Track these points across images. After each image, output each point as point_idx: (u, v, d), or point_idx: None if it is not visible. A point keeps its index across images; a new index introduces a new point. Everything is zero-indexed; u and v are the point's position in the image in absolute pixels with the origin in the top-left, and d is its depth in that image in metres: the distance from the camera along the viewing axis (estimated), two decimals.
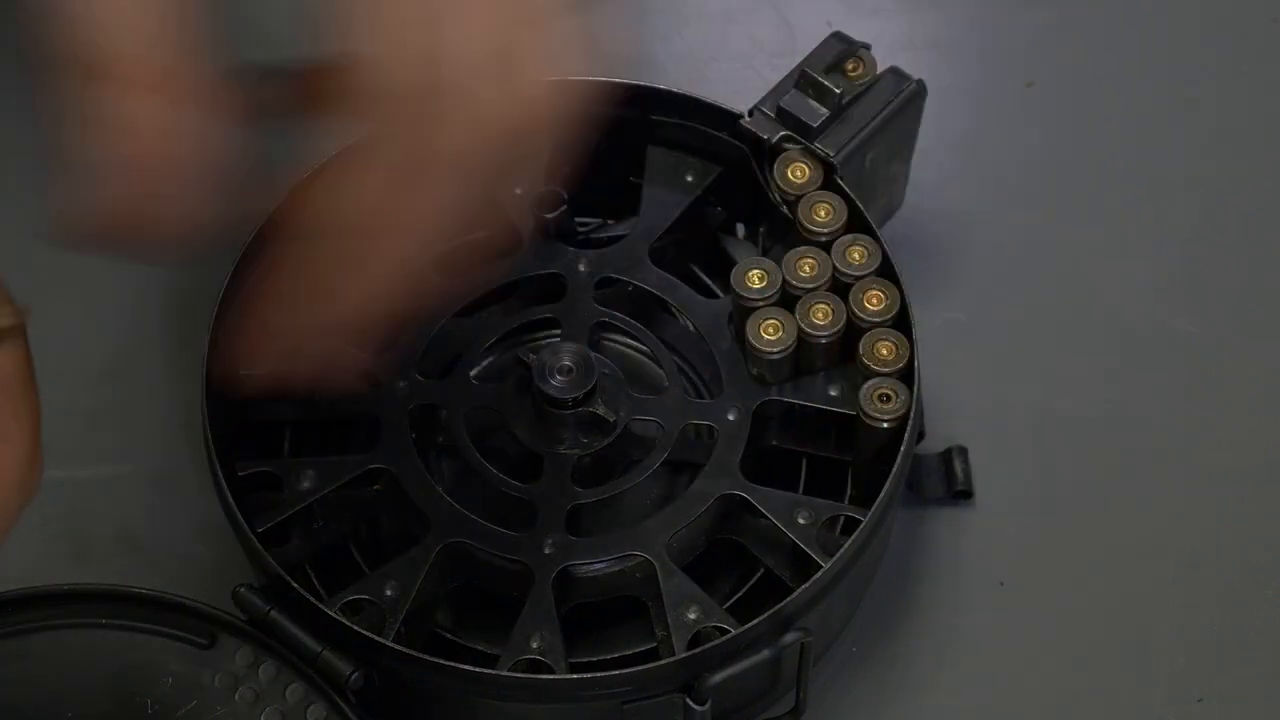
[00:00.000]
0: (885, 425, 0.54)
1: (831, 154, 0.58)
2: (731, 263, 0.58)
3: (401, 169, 0.42)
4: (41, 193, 0.69)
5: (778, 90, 0.59)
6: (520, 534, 0.55)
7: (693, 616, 0.53)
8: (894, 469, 0.54)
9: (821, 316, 0.56)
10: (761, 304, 0.56)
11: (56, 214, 0.43)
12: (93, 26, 0.43)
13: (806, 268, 0.57)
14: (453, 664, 0.51)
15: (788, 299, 0.57)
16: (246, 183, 0.47)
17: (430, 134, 0.42)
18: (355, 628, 0.51)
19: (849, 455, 0.58)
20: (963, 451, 0.62)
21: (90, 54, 0.43)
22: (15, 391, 0.41)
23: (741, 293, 0.56)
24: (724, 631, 0.52)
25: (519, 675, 0.51)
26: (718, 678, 0.51)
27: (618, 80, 0.60)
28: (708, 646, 0.51)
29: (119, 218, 0.44)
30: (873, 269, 0.57)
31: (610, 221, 0.64)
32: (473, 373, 0.59)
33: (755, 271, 0.57)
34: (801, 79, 0.59)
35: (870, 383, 0.55)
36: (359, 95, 0.42)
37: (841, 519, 0.55)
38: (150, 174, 0.43)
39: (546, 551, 0.54)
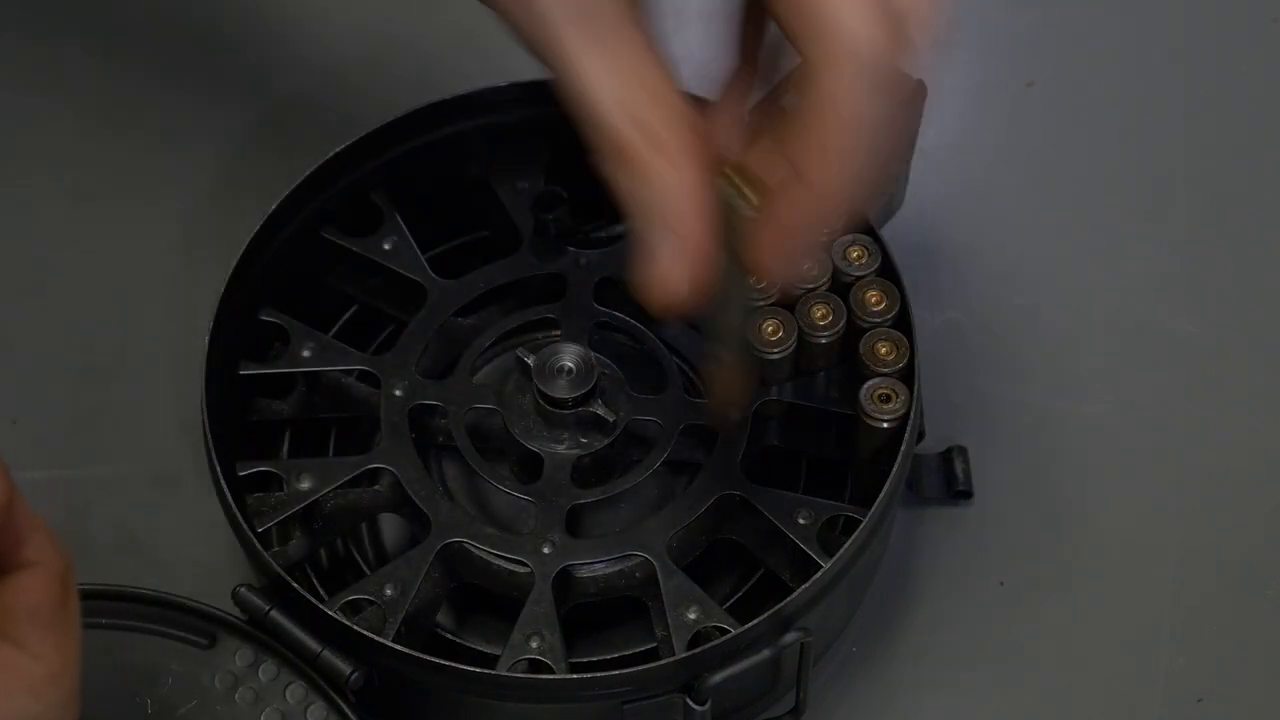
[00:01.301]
0: (885, 425, 0.54)
1: None
2: None
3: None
4: (46, 191, 0.69)
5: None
6: (520, 534, 0.55)
7: (693, 616, 0.53)
8: (894, 469, 0.54)
9: (821, 316, 0.56)
10: (760, 305, 0.56)
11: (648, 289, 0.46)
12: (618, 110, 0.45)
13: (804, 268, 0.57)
14: (453, 664, 0.51)
15: (784, 302, 0.56)
16: None
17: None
18: (355, 628, 0.51)
19: (849, 455, 0.58)
20: (963, 451, 0.62)
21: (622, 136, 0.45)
22: (44, 618, 0.41)
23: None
24: (724, 631, 0.52)
25: (519, 675, 0.51)
26: (718, 678, 0.51)
27: None
28: (708, 646, 0.51)
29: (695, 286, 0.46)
30: (873, 269, 0.57)
31: (610, 221, 0.64)
32: (473, 373, 0.59)
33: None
34: None
35: (870, 383, 0.55)
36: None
37: (841, 519, 0.55)
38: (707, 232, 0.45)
39: (546, 551, 0.54)
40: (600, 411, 0.56)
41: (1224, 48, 0.73)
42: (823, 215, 0.45)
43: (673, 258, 0.45)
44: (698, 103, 0.47)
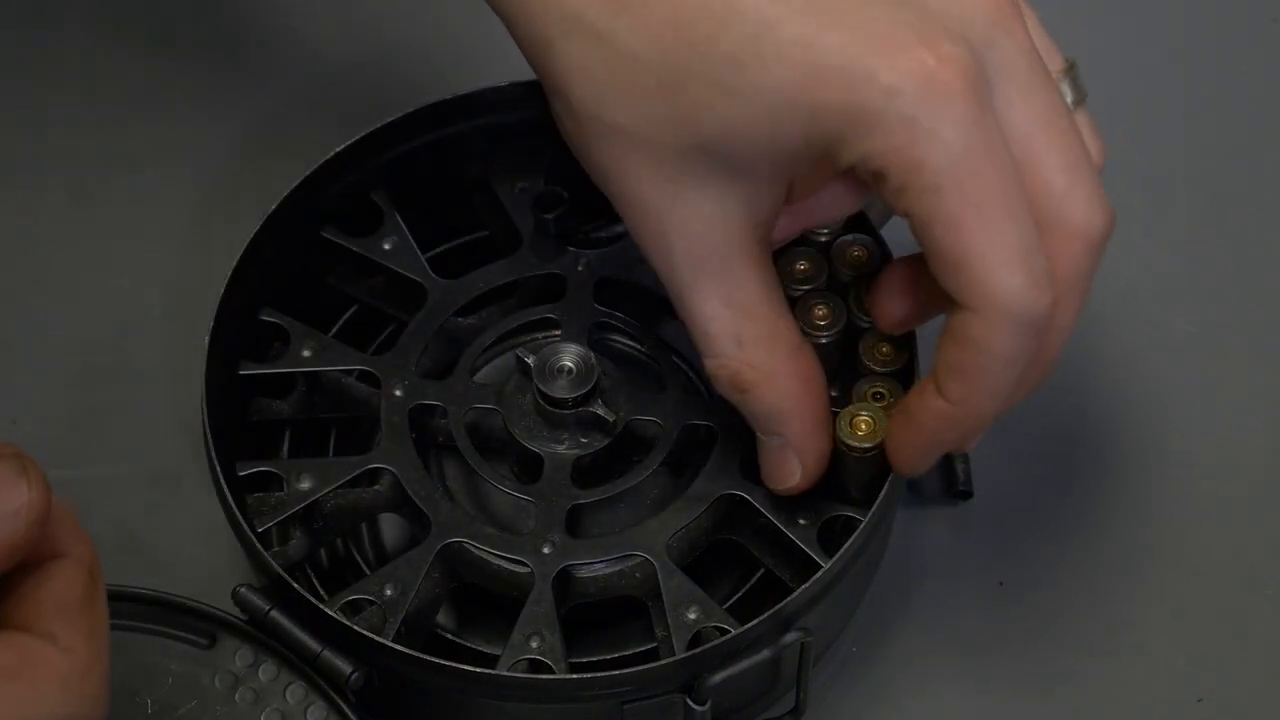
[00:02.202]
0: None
1: None
2: None
3: None
4: (46, 191, 0.69)
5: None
6: (520, 534, 0.55)
7: (693, 616, 0.53)
8: (894, 469, 0.53)
9: (821, 316, 0.56)
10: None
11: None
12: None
13: (802, 269, 0.57)
14: (453, 664, 0.50)
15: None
16: None
17: None
18: (355, 628, 0.51)
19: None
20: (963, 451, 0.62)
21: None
22: (73, 611, 0.41)
23: None
24: (724, 631, 0.52)
25: (519, 675, 0.51)
26: (718, 678, 0.51)
27: None
28: (708, 646, 0.51)
29: None
30: (873, 269, 0.57)
31: (610, 221, 0.64)
32: (473, 373, 0.59)
33: None
34: None
35: (870, 382, 0.55)
36: None
37: (841, 519, 0.55)
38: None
39: (546, 551, 0.54)
40: (600, 411, 0.56)
41: (1224, 48, 0.73)
42: (957, 427, 0.50)
43: (782, 456, 0.53)
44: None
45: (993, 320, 0.46)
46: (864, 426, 0.54)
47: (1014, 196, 0.46)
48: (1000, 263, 0.45)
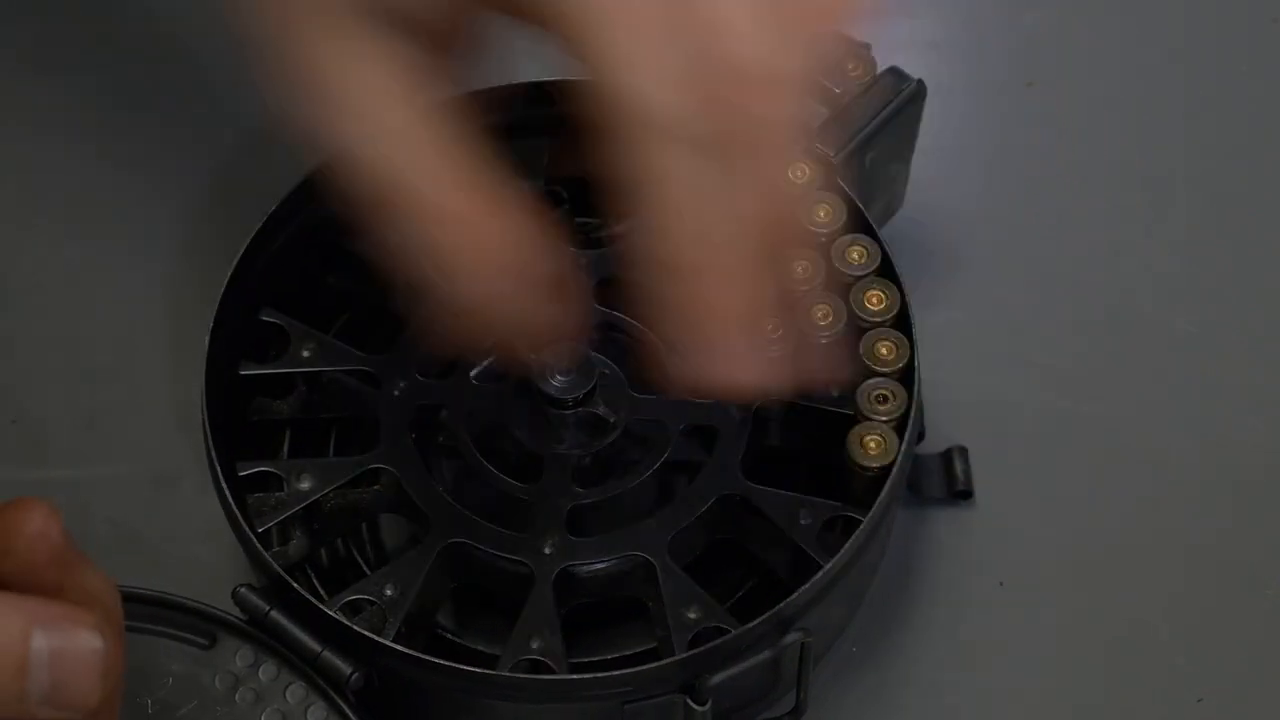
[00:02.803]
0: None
1: (831, 154, 0.58)
2: None
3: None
4: (45, 191, 0.69)
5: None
6: (520, 534, 0.55)
7: (693, 616, 0.53)
8: (894, 469, 0.54)
9: (821, 317, 0.56)
10: None
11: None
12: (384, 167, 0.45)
13: (800, 269, 0.57)
14: (453, 664, 0.51)
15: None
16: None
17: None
18: (355, 628, 0.51)
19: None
20: (963, 451, 0.62)
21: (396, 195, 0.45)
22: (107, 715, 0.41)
23: None
24: (724, 631, 0.52)
25: (519, 675, 0.51)
26: (718, 678, 0.51)
27: None
28: (708, 647, 0.51)
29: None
30: (873, 269, 0.57)
31: (610, 221, 0.64)
32: (473, 373, 0.59)
33: None
34: None
35: (869, 382, 0.55)
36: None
37: (841, 519, 0.55)
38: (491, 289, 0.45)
39: (546, 551, 0.54)
40: (600, 411, 0.56)
41: (1224, 48, 0.73)
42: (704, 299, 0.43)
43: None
44: None
45: (635, 131, 0.42)
46: (874, 446, 0.54)
47: (668, 19, 0.42)
48: (636, 68, 0.41)
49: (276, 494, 0.56)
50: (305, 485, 0.56)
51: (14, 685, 0.39)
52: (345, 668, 0.51)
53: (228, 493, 0.53)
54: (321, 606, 0.51)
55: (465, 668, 0.51)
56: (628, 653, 0.56)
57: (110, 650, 0.40)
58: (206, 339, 0.56)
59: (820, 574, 0.52)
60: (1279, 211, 0.69)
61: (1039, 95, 0.72)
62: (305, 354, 0.58)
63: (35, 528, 0.40)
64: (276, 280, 0.59)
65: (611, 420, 0.56)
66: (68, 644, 0.39)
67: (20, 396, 0.65)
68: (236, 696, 0.52)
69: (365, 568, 0.58)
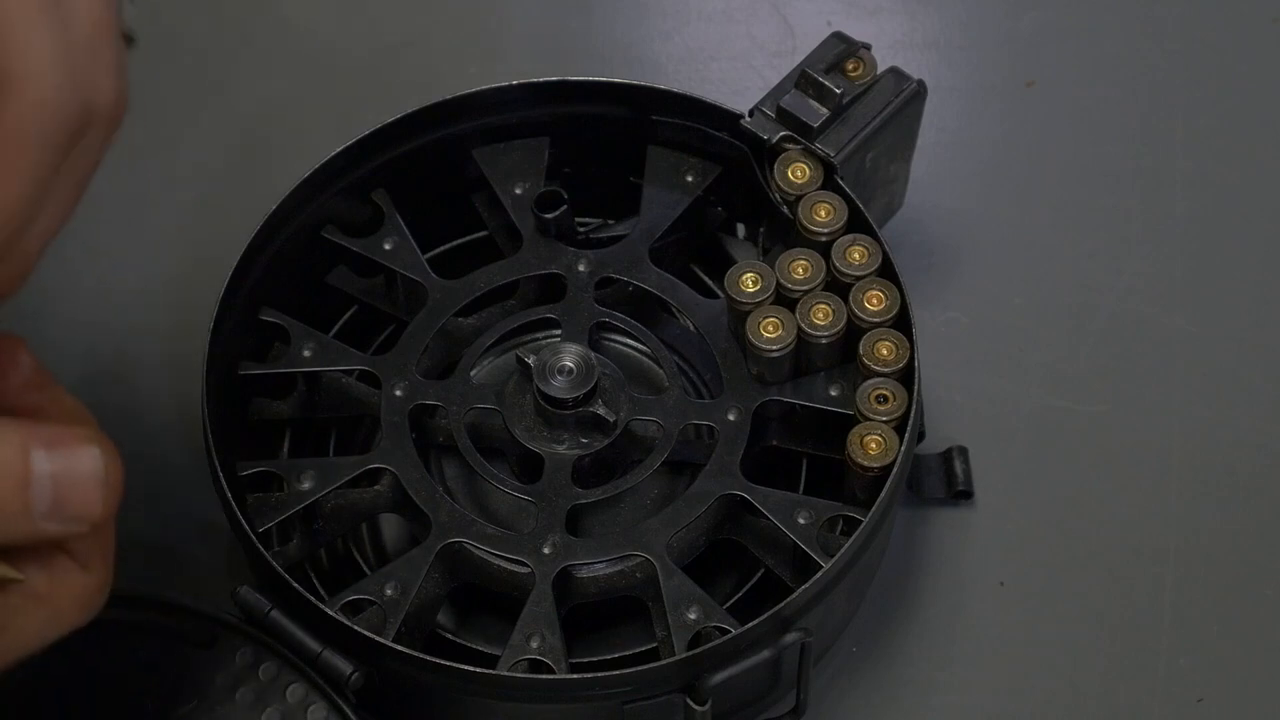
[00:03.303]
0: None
1: (832, 154, 0.58)
2: (732, 263, 0.58)
3: None
4: None
5: (778, 90, 0.59)
6: (520, 534, 0.55)
7: (693, 616, 0.53)
8: (894, 469, 0.54)
9: (822, 317, 0.56)
10: (755, 308, 0.56)
11: None
12: None
13: (800, 270, 0.57)
14: (453, 664, 0.51)
15: (782, 301, 0.56)
16: None
17: None
18: (355, 628, 0.51)
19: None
20: (963, 451, 0.62)
21: None
22: (107, 536, 0.42)
23: (735, 296, 0.56)
24: (724, 631, 0.52)
25: (519, 675, 0.51)
26: (718, 678, 0.51)
27: (618, 80, 0.60)
28: (708, 646, 0.51)
29: None
30: (873, 269, 0.57)
31: (610, 221, 0.64)
32: (473, 373, 0.59)
33: (749, 275, 0.57)
34: (802, 79, 0.59)
35: (869, 382, 0.55)
36: None
37: (841, 519, 0.55)
38: None
39: (546, 551, 0.54)
40: (600, 411, 0.56)
41: (1224, 48, 0.73)
42: None
43: None
44: None
45: None
46: (874, 446, 0.54)
47: None
48: None
49: (276, 494, 0.56)
50: (305, 485, 0.56)
51: (17, 501, 0.39)
52: (345, 667, 0.51)
53: (228, 493, 0.53)
54: (321, 606, 0.51)
55: (465, 668, 0.51)
56: (628, 653, 0.56)
57: (109, 461, 0.40)
58: (206, 339, 0.56)
59: (820, 574, 0.52)
60: (1278, 211, 0.69)
61: (1039, 95, 0.72)
62: (305, 354, 0.58)
63: (4, 357, 0.41)
64: (276, 280, 0.59)
65: (611, 420, 0.56)
66: (67, 459, 0.40)
67: None
68: (237, 696, 0.52)
69: (365, 568, 0.58)
